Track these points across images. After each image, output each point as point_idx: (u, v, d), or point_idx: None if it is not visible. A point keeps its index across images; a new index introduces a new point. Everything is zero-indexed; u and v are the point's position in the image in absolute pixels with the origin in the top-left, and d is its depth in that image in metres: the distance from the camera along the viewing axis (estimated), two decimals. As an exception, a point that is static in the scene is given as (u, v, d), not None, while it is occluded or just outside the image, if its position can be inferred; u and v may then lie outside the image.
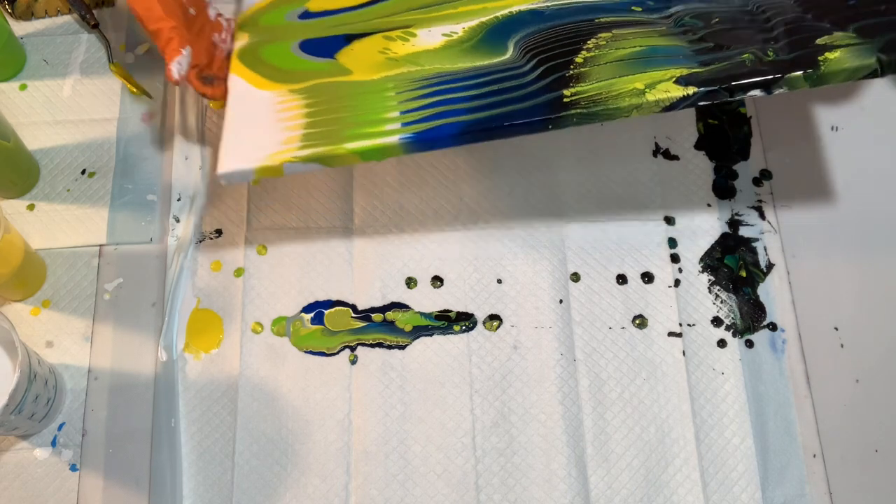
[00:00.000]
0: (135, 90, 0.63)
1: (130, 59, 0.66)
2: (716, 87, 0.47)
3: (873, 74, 0.48)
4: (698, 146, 0.64)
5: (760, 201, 0.62)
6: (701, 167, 0.63)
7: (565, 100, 0.48)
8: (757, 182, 0.63)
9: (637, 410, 0.56)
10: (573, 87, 0.49)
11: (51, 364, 0.54)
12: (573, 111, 0.47)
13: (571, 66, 0.50)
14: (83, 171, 0.61)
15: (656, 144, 0.64)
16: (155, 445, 0.54)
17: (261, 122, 0.52)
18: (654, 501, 0.54)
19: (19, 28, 0.66)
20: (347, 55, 0.55)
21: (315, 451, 0.55)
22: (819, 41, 0.49)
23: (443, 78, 0.52)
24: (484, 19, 0.56)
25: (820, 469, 0.55)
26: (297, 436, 0.55)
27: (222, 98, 0.56)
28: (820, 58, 0.47)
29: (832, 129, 0.65)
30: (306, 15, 0.59)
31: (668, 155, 0.63)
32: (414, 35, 0.56)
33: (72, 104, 0.64)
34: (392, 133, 0.49)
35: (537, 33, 0.54)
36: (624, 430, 0.56)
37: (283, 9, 0.60)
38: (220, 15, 0.59)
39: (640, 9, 0.54)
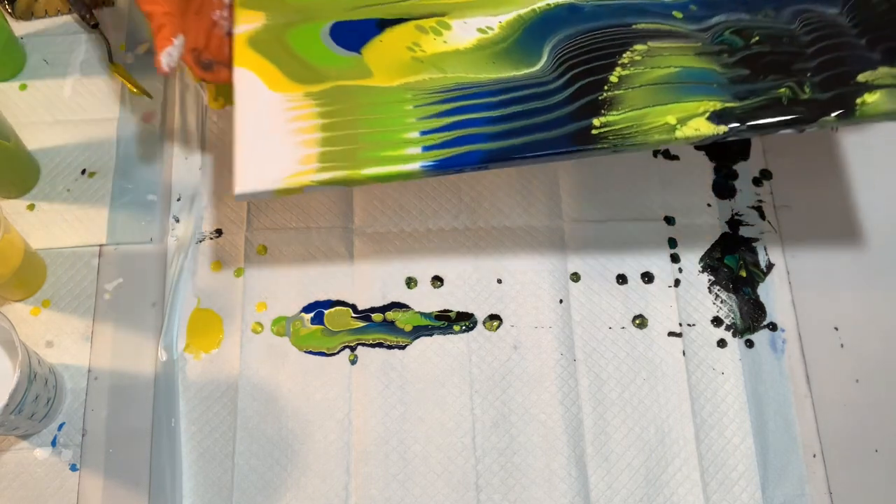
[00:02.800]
0: (135, 90, 0.63)
1: (130, 59, 0.66)
2: (745, 128, 0.46)
3: None
4: (698, 146, 0.64)
5: (760, 201, 0.62)
6: (701, 167, 0.63)
7: (594, 131, 0.46)
8: (757, 182, 0.63)
9: (637, 410, 0.56)
10: (604, 115, 0.47)
11: (51, 364, 0.54)
12: (600, 145, 0.46)
13: (606, 87, 0.48)
14: (83, 171, 0.61)
15: (656, 144, 0.64)
16: (155, 445, 0.54)
17: (275, 134, 0.49)
18: (654, 501, 0.54)
19: (19, 28, 0.66)
20: (374, 49, 0.51)
21: (315, 451, 0.55)
22: (860, 77, 0.46)
23: (464, 91, 0.49)
24: (522, 12, 0.52)
25: (820, 469, 0.55)
26: (297, 436, 0.55)
27: (223, 81, 0.52)
28: (858, 100, 0.46)
29: (832, 129, 0.65)
30: None
31: (668, 155, 0.63)
32: (448, 28, 0.52)
33: (72, 104, 0.64)
34: (413, 159, 0.47)
35: (574, 38, 0.51)
36: (624, 430, 0.56)
37: None
38: None
39: (681, 15, 0.51)
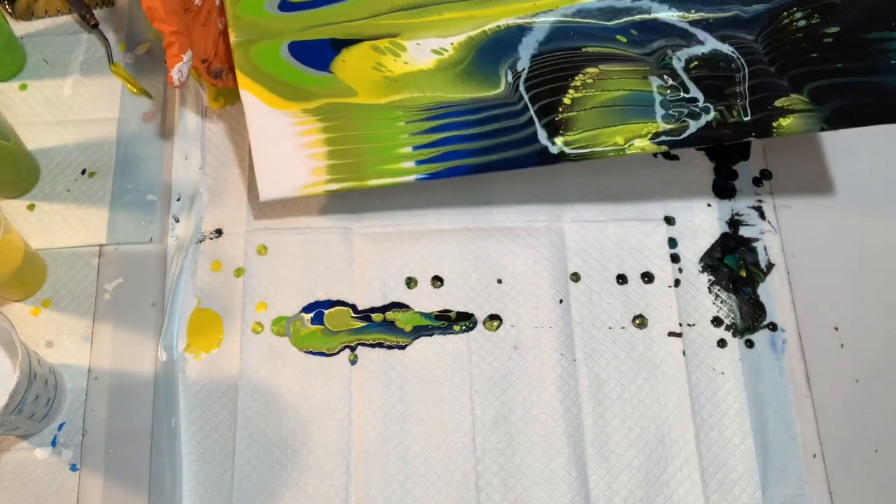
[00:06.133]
0: (135, 90, 0.63)
1: (130, 59, 0.66)
2: (680, 143, 0.54)
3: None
4: (699, 147, 0.64)
5: (760, 201, 0.62)
6: (701, 167, 0.63)
7: (555, 150, 0.54)
8: (757, 182, 0.63)
9: (637, 410, 0.56)
10: (562, 135, 0.54)
11: (51, 364, 0.54)
12: (563, 160, 0.54)
13: (560, 109, 0.54)
14: (83, 171, 0.61)
15: (656, 144, 0.64)
16: (155, 445, 0.54)
17: (285, 147, 0.56)
18: (654, 501, 0.54)
19: (19, 28, 0.66)
20: (343, 69, 0.57)
21: (315, 451, 0.55)
22: (777, 103, 0.54)
23: (445, 109, 0.56)
24: (472, 34, 0.57)
25: (820, 469, 0.55)
26: (297, 436, 0.55)
27: (232, 86, 0.57)
28: (774, 124, 0.53)
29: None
30: (286, 6, 0.58)
31: (668, 155, 0.63)
32: (404, 49, 0.57)
33: (72, 104, 0.64)
34: (409, 172, 0.55)
35: (527, 63, 0.56)
36: (624, 430, 0.56)
37: None
38: None
39: (624, 39, 0.57)
